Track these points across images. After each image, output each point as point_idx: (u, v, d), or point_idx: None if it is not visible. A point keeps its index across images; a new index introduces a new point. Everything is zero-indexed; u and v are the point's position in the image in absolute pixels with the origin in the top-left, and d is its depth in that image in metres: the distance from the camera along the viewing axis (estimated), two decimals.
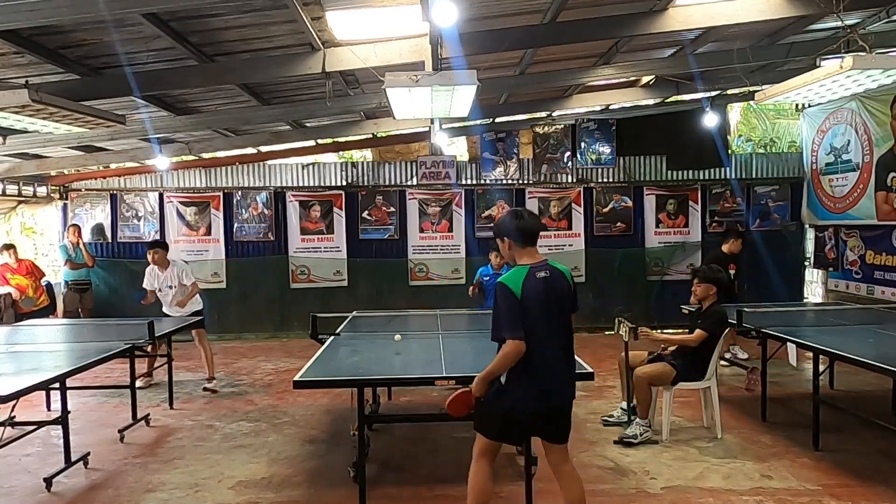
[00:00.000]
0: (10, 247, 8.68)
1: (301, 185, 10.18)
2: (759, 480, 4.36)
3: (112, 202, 10.01)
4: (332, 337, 5.13)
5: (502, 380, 3.24)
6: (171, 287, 7.08)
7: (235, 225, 10.11)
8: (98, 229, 9.98)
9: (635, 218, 10.29)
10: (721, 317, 5.14)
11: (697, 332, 5.06)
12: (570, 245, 10.23)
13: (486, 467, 3.37)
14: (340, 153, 11.77)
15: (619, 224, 10.28)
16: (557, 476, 3.41)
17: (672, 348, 5.33)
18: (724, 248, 7.89)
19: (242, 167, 10.13)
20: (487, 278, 6.69)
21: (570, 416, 3.40)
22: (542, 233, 3.46)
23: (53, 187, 9.86)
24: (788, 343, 5.41)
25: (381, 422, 5.48)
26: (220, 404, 6.45)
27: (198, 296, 7.29)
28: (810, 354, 5.08)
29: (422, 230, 10.19)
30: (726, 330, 5.31)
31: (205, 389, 6.90)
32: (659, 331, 5.31)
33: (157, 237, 9.74)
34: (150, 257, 7.07)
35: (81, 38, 4.56)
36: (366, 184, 10.20)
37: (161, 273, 7.08)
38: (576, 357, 3.48)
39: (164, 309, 7.16)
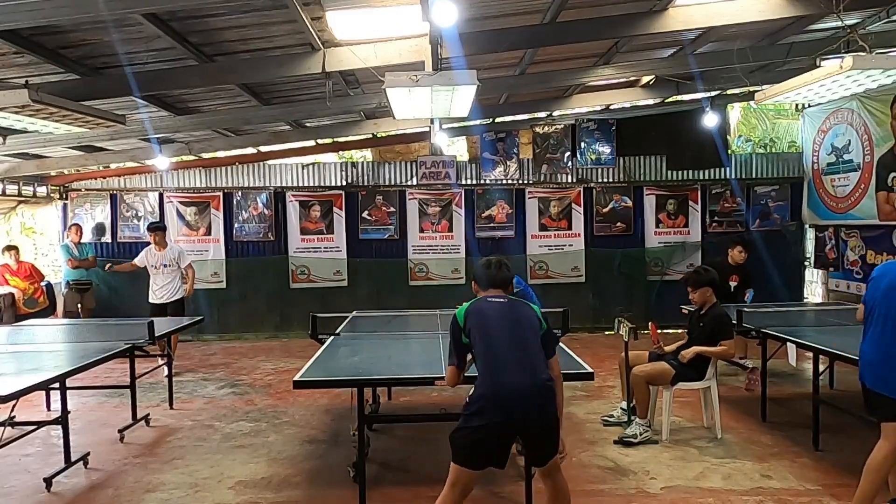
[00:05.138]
0: (13, 248, 8.70)
1: (301, 185, 10.17)
2: (759, 480, 4.36)
3: (112, 202, 10.01)
4: (331, 337, 5.13)
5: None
6: (166, 266, 7.76)
7: (235, 225, 10.10)
8: (98, 229, 9.98)
9: (635, 218, 10.28)
10: (728, 317, 5.19)
11: (728, 342, 5.04)
12: (570, 245, 10.22)
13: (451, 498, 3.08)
14: (340, 153, 11.76)
15: (619, 224, 10.27)
16: (545, 485, 3.27)
17: (671, 348, 5.33)
18: (730, 256, 7.26)
19: (242, 167, 10.13)
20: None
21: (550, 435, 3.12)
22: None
23: (53, 187, 9.85)
24: (788, 343, 5.42)
25: (381, 422, 5.48)
26: (220, 404, 6.46)
27: (181, 284, 7.91)
28: (810, 354, 5.08)
29: (422, 230, 10.18)
30: None
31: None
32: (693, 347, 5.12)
33: None
34: (151, 238, 7.95)
35: (81, 38, 4.57)
36: (366, 184, 10.20)
37: (157, 252, 7.81)
38: (576, 359, 3.42)
39: (152, 291, 7.78)
